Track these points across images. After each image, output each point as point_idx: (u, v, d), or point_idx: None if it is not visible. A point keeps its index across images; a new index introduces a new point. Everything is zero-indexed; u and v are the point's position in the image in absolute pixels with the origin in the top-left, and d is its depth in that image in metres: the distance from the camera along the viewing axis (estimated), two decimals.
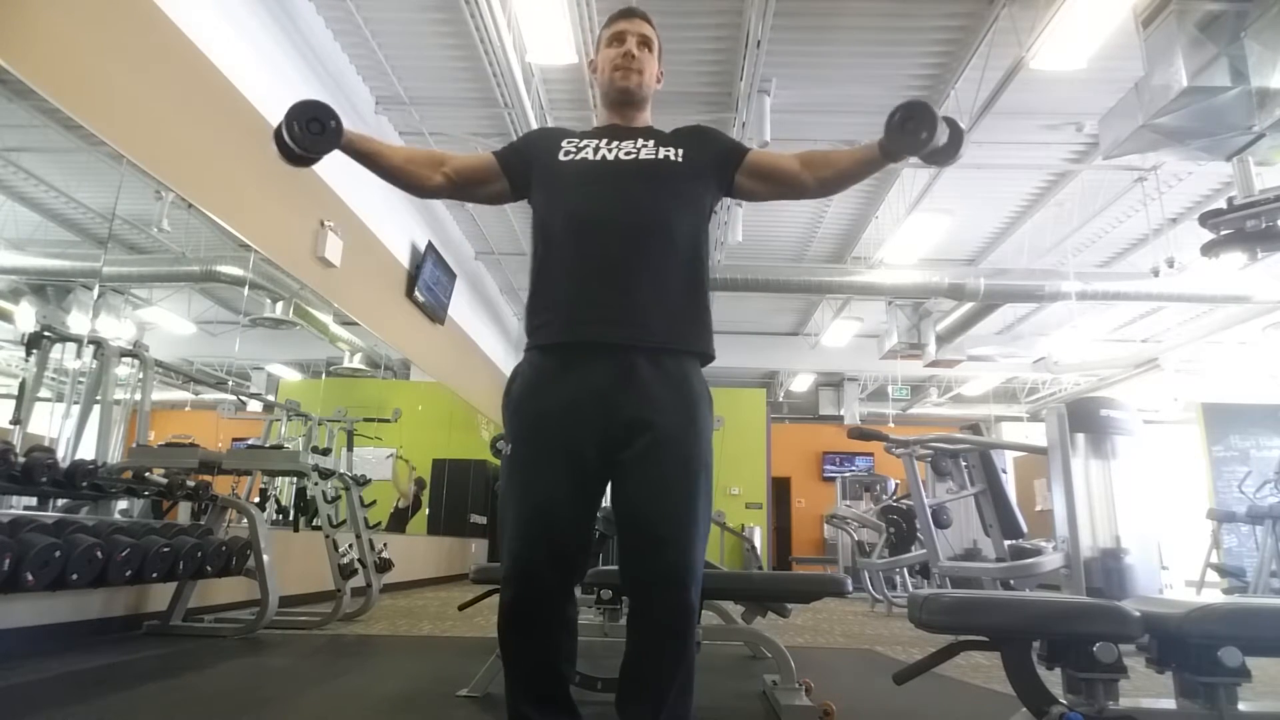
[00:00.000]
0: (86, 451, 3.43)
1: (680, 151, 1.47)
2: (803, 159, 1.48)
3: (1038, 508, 8.55)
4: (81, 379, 3.60)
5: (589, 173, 1.46)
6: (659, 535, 1.29)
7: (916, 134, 1.28)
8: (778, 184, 1.50)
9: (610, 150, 1.47)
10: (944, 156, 1.34)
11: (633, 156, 1.46)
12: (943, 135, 1.30)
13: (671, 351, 1.38)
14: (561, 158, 1.48)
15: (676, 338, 1.39)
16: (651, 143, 1.48)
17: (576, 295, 1.38)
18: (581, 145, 1.49)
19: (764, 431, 11.05)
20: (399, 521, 7.19)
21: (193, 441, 3.64)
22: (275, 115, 1.36)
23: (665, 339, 1.37)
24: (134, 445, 3.70)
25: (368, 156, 1.44)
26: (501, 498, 1.41)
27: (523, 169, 1.52)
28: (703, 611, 2.40)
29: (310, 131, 1.33)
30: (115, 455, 3.58)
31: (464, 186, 1.53)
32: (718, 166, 1.51)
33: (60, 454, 3.12)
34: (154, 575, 2.84)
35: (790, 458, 12.89)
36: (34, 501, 3.01)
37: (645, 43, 1.55)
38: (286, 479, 5.19)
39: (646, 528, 1.31)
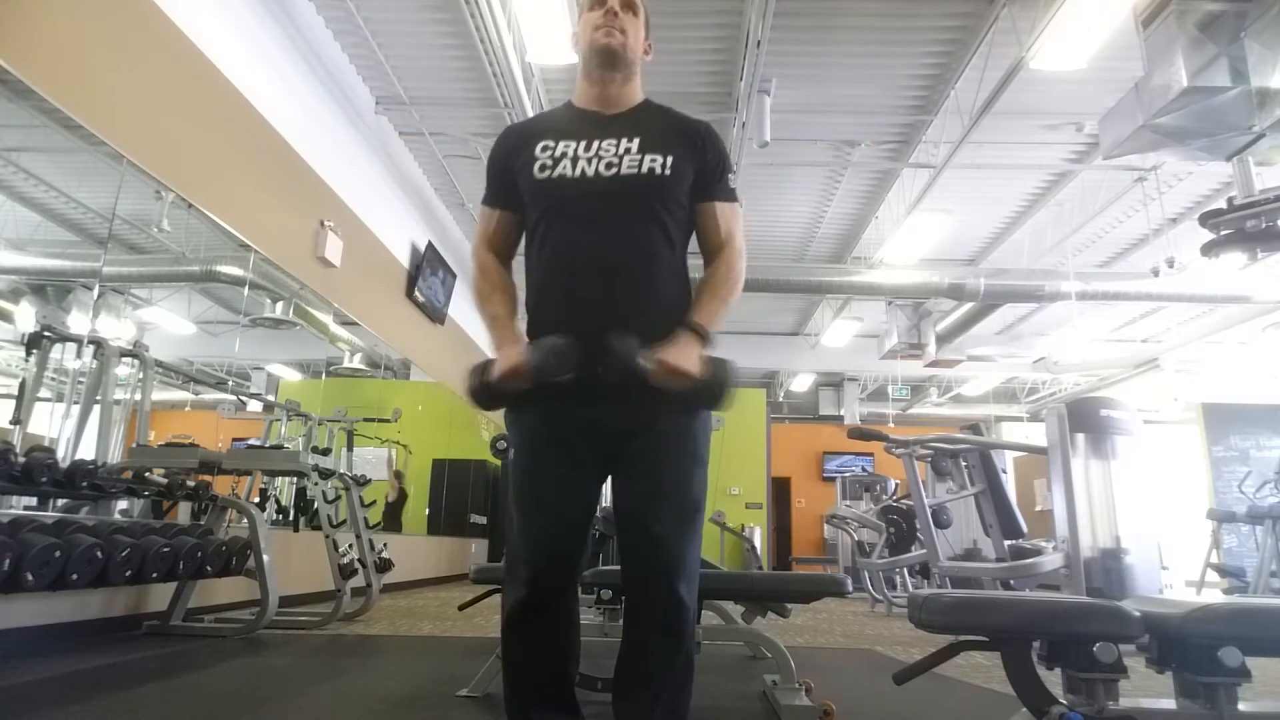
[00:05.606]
0: (86, 451, 3.44)
1: (670, 160, 1.38)
2: (713, 254, 1.45)
3: (1038, 508, 8.55)
4: (81, 379, 3.60)
5: (568, 199, 1.38)
6: (654, 534, 1.29)
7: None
8: (700, 240, 1.48)
9: (590, 161, 1.38)
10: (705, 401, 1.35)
11: (614, 171, 1.36)
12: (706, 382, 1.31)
13: None
14: (538, 174, 1.39)
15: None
16: (636, 143, 1.39)
17: (567, 327, 1.33)
18: (558, 154, 1.39)
19: (764, 431, 11.03)
20: (393, 517, 7.18)
21: (193, 441, 3.64)
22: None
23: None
24: (134, 445, 3.70)
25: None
26: (508, 499, 1.40)
27: (515, 195, 1.46)
28: (703, 611, 2.40)
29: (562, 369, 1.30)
30: (115, 455, 3.58)
31: (516, 243, 1.52)
32: (697, 185, 1.43)
33: (60, 454, 3.12)
34: (154, 575, 2.84)
35: (790, 458, 12.89)
36: (34, 501, 3.01)
37: (629, 6, 1.45)
38: (286, 479, 5.19)
39: (642, 526, 1.31)
